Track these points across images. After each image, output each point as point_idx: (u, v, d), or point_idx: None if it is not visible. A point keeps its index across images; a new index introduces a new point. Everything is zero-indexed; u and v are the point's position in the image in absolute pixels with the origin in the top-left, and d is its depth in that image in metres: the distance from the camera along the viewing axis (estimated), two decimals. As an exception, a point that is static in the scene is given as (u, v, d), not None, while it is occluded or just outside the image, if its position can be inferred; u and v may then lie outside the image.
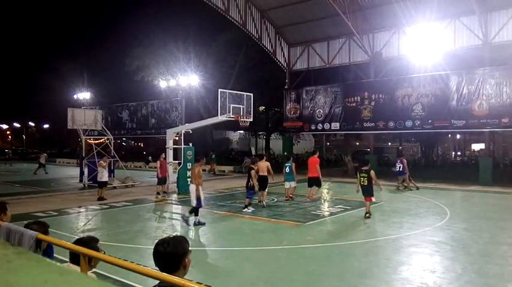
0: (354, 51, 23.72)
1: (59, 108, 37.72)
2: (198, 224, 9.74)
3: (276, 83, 30.25)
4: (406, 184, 17.12)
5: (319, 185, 13.98)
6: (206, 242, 8.47)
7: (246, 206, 11.74)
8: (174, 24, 38.55)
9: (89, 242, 2.88)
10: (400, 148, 41.97)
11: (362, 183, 10.71)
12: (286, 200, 13.80)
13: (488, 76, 18.36)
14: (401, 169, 17.05)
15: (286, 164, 14.26)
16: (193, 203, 9.84)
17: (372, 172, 10.65)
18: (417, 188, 16.94)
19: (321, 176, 13.89)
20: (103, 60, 43.26)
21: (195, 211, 9.84)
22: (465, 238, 8.66)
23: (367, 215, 10.68)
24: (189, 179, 16.16)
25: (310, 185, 13.89)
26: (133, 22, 52.58)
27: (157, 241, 2.32)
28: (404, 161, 17.38)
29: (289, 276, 6.22)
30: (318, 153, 15.71)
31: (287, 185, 13.87)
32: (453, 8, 19.44)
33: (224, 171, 27.94)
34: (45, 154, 29.11)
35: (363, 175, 10.67)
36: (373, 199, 10.88)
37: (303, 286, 5.84)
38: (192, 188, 9.96)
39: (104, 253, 2.85)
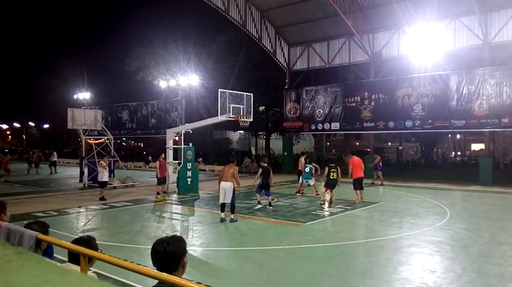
0: (354, 51, 23.71)
1: (59, 108, 37.78)
2: (236, 220, 10.26)
3: (276, 83, 30.26)
4: (380, 180, 18.89)
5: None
6: (206, 242, 8.47)
7: (270, 204, 12.33)
8: (174, 24, 38.65)
9: (89, 241, 2.88)
10: (401, 147, 41.98)
11: (332, 177, 12.60)
12: (299, 193, 15.48)
13: (488, 76, 18.36)
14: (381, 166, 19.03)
15: (308, 165, 15.44)
16: (229, 200, 10.25)
17: (338, 169, 12.79)
18: (374, 183, 18.61)
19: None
20: (103, 60, 43.29)
21: (233, 207, 10.32)
22: (465, 238, 8.66)
23: (322, 203, 12.47)
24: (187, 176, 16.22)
25: (358, 188, 13.59)
26: (134, 22, 52.70)
27: (155, 241, 2.31)
28: (379, 157, 19.76)
29: (289, 276, 6.22)
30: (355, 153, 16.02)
31: (302, 180, 15.54)
32: (453, 8, 19.44)
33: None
34: (55, 153, 28.40)
35: (333, 170, 12.71)
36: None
37: (303, 286, 5.84)
38: (229, 186, 10.23)
39: (101, 251, 2.85)
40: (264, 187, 12.48)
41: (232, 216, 10.24)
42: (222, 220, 10.23)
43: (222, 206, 10.35)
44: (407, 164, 37.80)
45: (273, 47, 26.08)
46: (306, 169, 15.27)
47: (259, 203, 12.42)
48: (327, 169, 12.81)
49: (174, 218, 11.69)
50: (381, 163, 19.33)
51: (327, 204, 12.30)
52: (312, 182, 15.14)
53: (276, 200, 13.21)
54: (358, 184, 13.48)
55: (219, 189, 10.45)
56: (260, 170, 12.72)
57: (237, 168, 10.86)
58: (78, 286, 1.07)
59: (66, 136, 50.47)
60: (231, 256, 7.56)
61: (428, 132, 22.64)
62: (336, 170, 12.65)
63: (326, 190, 12.57)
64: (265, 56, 27.09)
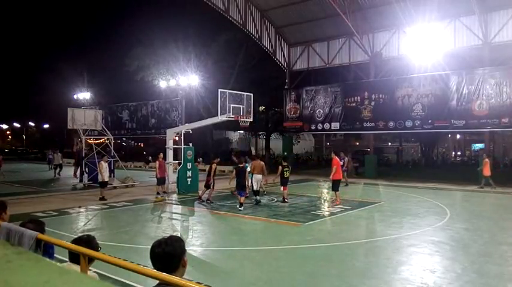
0: (354, 51, 23.71)
1: (59, 108, 37.70)
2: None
3: (276, 83, 30.23)
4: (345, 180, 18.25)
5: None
6: (206, 242, 8.47)
7: (241, 204, 12.14)
8: (174, 24, 38.45)
9: (89, 240, 2.87)
10: (401, 147, 41.80)
11: (285, 176, 13.50)
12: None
13: (488, 76, 18.35)
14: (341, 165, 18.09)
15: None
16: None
17: (290, 168, 14.08)
18: (346, 185, 18.06)
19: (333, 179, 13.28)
20: (103, 60, 43.22)
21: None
22: (465, 238, 8.66)
23: (286, 200, 13.30)
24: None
25: (337, 189, 13.28)
26: (134, 22, 52.57)
27: (153, 243, 2.26)
28: (346, 158, 19.02)
29: (289, 276, 6.22)
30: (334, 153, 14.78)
31: None
32: (453, 8, 19.44)
33: (224, 171, 27.91)
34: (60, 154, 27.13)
35: (286, 169, 13.56)
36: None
37: (303, 286, 5.84)
38: (259, 177, 13.30)
39: (100, 249, 2.85)
40: (240, 188, 12.33)
41: (258, 197, 12.96)
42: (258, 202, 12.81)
43: (256, 192, 13.15)
44: (407, 164, 37.77)
45: (273, 47, 26.07)
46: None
47: (241, 205, 12.09)
48: (280, 168, 13.49)
49: (174, 218, 11.68)
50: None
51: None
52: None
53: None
54: (338, 185, 13.25)
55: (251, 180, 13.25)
56: (234, 171, 12.78)
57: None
58: (78, 286, 1.07)
59: (66, 136, 50.46)
60: (231, 256, 7.56)
61: (428, 132, 22.63)
62: (288, 169, 13.70)
63: (284, 189, 13.52)
64: (265, 56, 27.08)
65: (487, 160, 17.33)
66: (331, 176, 13.18)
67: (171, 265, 2.19)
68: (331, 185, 13.51)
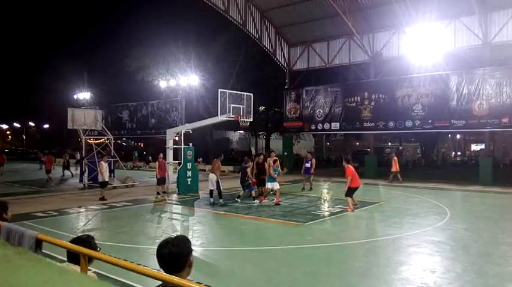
0: (354, 51, 23.70)
1: (59, 108, 37.75)
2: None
3: (276, 83, 30.24)
4: (310, 184, 17.08)
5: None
6: (206, 242, 8.47)
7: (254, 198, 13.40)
8: (174, 24, 38.58)
9: (88, 240, 2.87)
10: (401, 147, 41.59)
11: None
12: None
13: (488, 76, 18.35)
14: (309, 167, 17.07)
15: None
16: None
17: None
18: (310, 189, 16.84)
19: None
20: (103, 60, 43.31)
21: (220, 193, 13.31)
22: (465, 238, 8.66)
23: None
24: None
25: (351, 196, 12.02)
26: (134, 22, 52.68)
27: (160, 242, 2.27)
28: (314, 160, 17.70)
29: (289, 276, 6.22)
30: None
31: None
32: (453, 8, 19.43)
33: (224, 171, 27.89)
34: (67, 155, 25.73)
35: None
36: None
37: (303, 286, 5.84)
38: (211, 177, 13.21)
39: (100, 249, 2.85)
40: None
41: (221, 201, 12.97)
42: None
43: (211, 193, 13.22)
44: (407, 164, 37.77)
45: (273, 47, 26.06)
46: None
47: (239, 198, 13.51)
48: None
49: (174, 218, 11.68)
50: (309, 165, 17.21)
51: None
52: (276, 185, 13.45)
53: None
54: (353, 193, 12.00)
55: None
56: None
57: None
58: (78, 286, 1.07)
59: (66, 136, 50.46)
60: (231, 256, 7.56)
61: (428, 132, 22.62)
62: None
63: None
64: (265, 56, 27.07)
65: (395, 157, 20.46)
66: (347, 185, 11.88)
67: (177, 265, 2.19)
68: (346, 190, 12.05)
